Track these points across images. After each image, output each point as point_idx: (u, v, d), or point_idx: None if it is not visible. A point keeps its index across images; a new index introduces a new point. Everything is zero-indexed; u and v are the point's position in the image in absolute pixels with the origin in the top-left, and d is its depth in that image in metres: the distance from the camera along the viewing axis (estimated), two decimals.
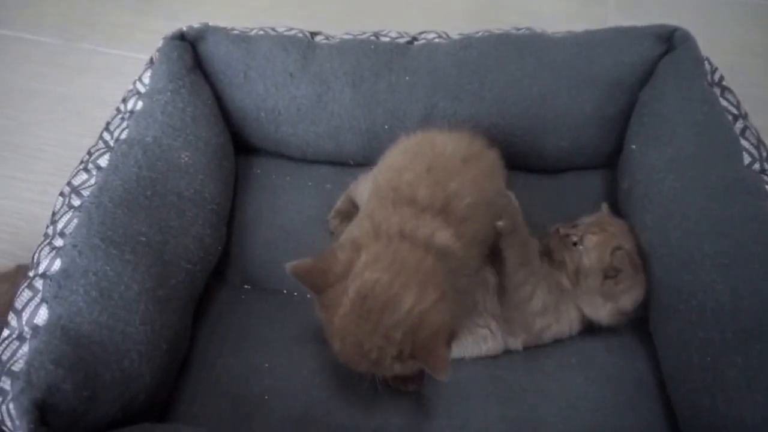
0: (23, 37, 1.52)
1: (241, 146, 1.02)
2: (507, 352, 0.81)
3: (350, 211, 0.93)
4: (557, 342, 0.82)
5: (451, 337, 0.64)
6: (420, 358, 0.63)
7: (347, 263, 0.66)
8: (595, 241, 0.80)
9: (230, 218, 0.95)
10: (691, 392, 0.70)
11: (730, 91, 0.84)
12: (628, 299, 0.79)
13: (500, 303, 0.79)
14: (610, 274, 0.78)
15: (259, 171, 1.02)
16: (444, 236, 0.70)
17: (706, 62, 0.85)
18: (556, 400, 0.77)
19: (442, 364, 0.62)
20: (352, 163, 1.02)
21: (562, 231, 0.82)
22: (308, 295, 0.89)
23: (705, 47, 0.86)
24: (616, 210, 0.89)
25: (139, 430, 0.64)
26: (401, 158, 0.82)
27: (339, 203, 0.95)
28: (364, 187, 0.88)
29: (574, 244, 0.80)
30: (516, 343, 0.80)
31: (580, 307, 0.80)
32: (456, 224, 0.71)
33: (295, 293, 0.90)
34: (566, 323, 0.80)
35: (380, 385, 0.70)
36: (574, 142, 0.95)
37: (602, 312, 0.79)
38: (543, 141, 0.95)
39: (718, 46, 0.94)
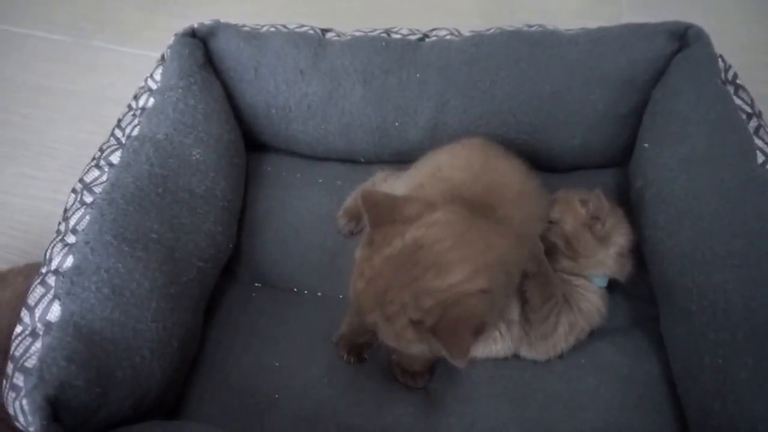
0: (35, 34, 1.53)
1: (251, 143, 1.03)
2: (521, 360, 0.81)
3: (360, 211, 0.92)
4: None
5: (480, 330, 0.61)
6: (441, 337, 0.58)
7: (416, 213, 0.63)
8: (558, 209, 0.84)
9: (241, 216, 0.95)
10: (701, 393, 0.69)
11: (744, 90, 0.83)
12: (622, 237, 0.82)
13: (525, 331, 0.79)
14: (592, 222, 0.81)
15: (269, 168, 1.02)
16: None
17: (719, 60, 0.84)
18: (565, 401, 0.76)
19: (463, 350, 0.58)
20: (362, 160, 1.02)
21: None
22: (319, 294, 0.89)
23: (719, 45, 0.85)
24: (628, 209, 0.89)
25: (150, 427, 0.64)
26: (459, 174, 0.78)
27: (349, 201, 0.94)
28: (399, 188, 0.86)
29: (550, 222, 0.83)
30: (530, 354, 0.80)
31: (591, 275, 0.81)
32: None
33: (306, 291, 0.90)
34: (594, 313, 0.80)
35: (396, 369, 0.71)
36: (586, 141, 0.94)
37: (610, 262, 0.81)
38: (554, 139, 0.95)
39: (732, 43, 0.93)
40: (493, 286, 0.61)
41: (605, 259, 0.81)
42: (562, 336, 0.78)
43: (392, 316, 0.59)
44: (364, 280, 0.61)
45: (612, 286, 0.84)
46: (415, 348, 0.61)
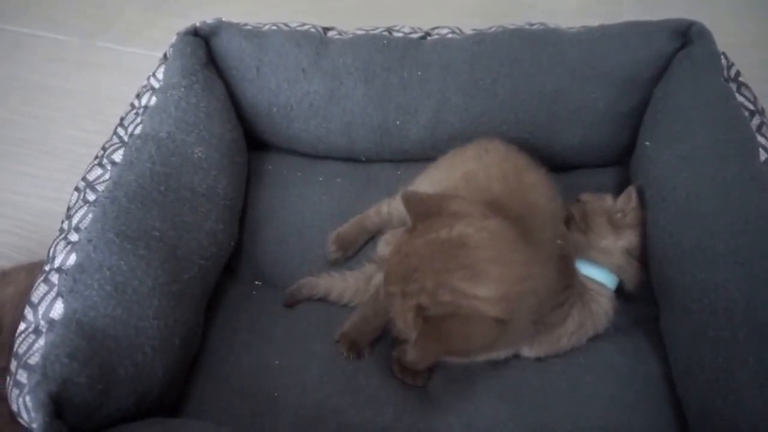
0: (39, 34, 1.54)
1: (253, 142, 1.03)
2: (522, 358, 0.81)
3: (356, 240, 0.91)
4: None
5: (468, 353, 0.61)
6: (424, 330, 0.58)
7: (463, 211, 0.62)
8: (590, 195, 0.87)
9: (242, 214, 0.95)
10: (702, 392, 0.69)
11: (747, 87, 0.82)
12: (635, 237, 0.82)
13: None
14: (614, 212, 0.83)
15: (270, 167, 1.03)
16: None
17: (722, 57, 0.84)
18: (565, 400, 0.76)
19: (425, 357, 0.57)
20: (363, 159, 1.02)
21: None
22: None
23: (721, 42, 0.85)
24: None
25: (151, 424, 0.64)
26: (497, 185, 0.76)
27: (344, 228, 0.92)
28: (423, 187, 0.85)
29: (577, 200, 0.86)
30: (530, 353, 0.80)
31: (596, 257, 0.81)
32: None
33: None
34: (603, 317, 0.80)
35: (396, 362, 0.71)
36: (587, 139, 0.94)
37: (616, 254, 0.81)
38: (556, 137, 0.95)
39: (734, 40, 0.93)
40: (515, 317, 0.59)
41: (612, 247, 0.82)
42: (568, 331, 0.78)
43: (408, 294, 0.59)
44: (400, 255, 0.61)
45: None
46: (408, 332, 0.61)
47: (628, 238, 0.82)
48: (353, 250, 0.91)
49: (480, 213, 0.63)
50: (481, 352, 0.62)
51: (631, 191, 0.83)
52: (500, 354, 0.79)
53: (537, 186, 0.79)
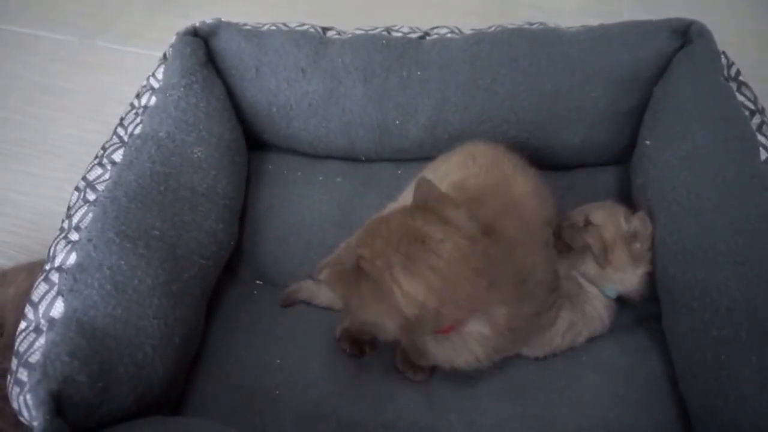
0: (39, 34, 1.54)
1: (253, 142, 1.03)
2: (523, 357, 0.81)
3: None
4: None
5: (359, 317, 0.64)
6: (348, 270, 0.62)
7: (455, 222, 0.63)
8: (602, 214, 0.83)
9: (242, 214, 0.95)
10: (704, 391, 0.69)
11: (747, 86, 0.82)
12: (650, 257, 0.81)
13: None
14: (631, 240, 0.80)
15: (270, 167, 1.03)
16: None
17: (722, 56, 0.84)
18: (567, 398, 0.76)
19: (329, 284, 0.62)
20: (363, 158, 1.02)
21: (565, 223, 0.83)
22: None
23: (721, 41, 0.85)
24: (630, 207, 0.88)
25: (152, 423, 0.64)
26: (493, 201, 0.75)
27: (339, 253, 0.92)
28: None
29: (585, 225, 0.82)
30: (531, 352, 0.80)
31: (613, 285, 0.81)
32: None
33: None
34: (597, 320, 0.80)
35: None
36: (587, 138, 0.94)
37: (634, 280, 0.81)
38: (556, 137, 0.95)
39: (735, 39, 0.93)
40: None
41: (632, 278, 0.81)
42: (559, 331, 0.78)
43: (362, 245, 0.62)
44: (380, 219, 0.65)
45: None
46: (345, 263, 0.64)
47: (646, 264, 0.81)
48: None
49: (466, 230, 0.63)
50: (377, 330, 0.64)
51: (642, 215, 0.81)
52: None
53: (526, 195, 0.78)
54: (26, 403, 0.59)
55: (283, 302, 0.88)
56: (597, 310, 0.80)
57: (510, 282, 0.66)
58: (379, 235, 0.62)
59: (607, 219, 0.82)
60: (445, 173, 0.82)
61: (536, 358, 0.80)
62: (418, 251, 0.60)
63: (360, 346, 0.81)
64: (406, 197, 0.84)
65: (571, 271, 0.82)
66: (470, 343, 0.67)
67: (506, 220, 0.71)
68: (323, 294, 0.87)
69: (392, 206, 0.89)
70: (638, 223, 0.81)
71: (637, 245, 0.80)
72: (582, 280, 0.82)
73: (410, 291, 0.59)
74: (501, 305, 0.65)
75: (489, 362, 0.69)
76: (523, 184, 0.79)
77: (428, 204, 0.64)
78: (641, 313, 0.86)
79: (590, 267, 0.81)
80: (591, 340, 0.81)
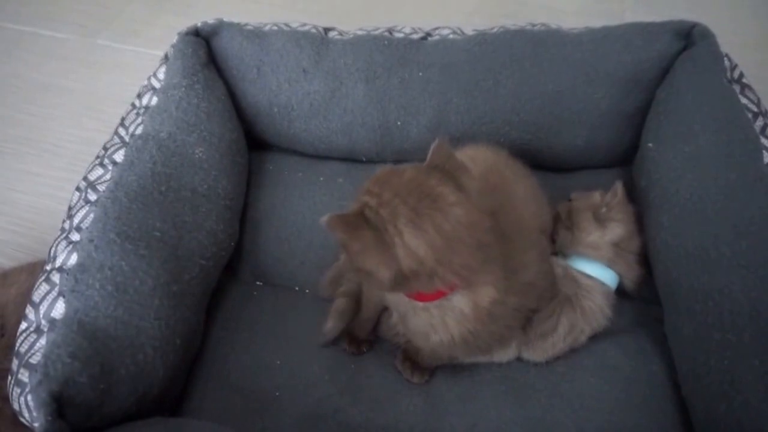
0: (40, 33, 1.54)
1: (254, 142, 1.03)
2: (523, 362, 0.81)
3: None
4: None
5: (357, 269, 0.62)
6: (349, 216, 0.60)
7: (468, 190, 0.62)
8: (577, 194, 0.88)
9: (243, 214, 0.95)
10: (707, 395, 0.69)
11: (750, 89, 0.82)
12: (620, 227, 0.82)
13: (524, 330, 0.79)
14: (598, 206, 0.83)
15: (271, 167, 1.02)
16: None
17: (725, 59, 0.83)
18: (568, 401, 0.76)
19: (331, 228, 0.59)
20: (364, 159, 1.02)
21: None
22: (319, 292, 0.89)
23: (725, 43, 0.85)
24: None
25: (152, 423, 0.64)
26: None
27: (340, 265, 0.89)
28: None
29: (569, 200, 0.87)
30: (527, 354, 0.80)
31: (585, 253, 0.82)
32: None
33: (307, 290, 0.90)
34: (597, 313, 0.80)
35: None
36: (590, 140, 0.94)
37: (604, 248, 0.82)
38: (558, 138, 0.94)
39: (738, 41, 0.93)
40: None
41: (599, 242, 0.82)
42: (561, 336, 0.78)
43: (369, 193, 0.61)
44: (391, 169, 0.63)
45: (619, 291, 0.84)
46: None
47: (615, 232, 0.82)
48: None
49: (478, 203, 0.62)
50: (369, 278, 0.62)
51: (617, 187, 0.83)
52: (502, 358, 0.80)
53: (525, 201, 0.78)
54: (27, 404, 0.58)
55: (327, 293, 0.87)
56: (596, 303, 0.80)
57: (501, 268, 0.66)
58: (387, 185, 0.60)
59: (583, 195, 0.86)
60: None
61: (536, 364, 0.80)
62: (427, 208, 0.59)
63: (358, 342, 0.81)
64: None
65: (567, 269, 0.82)
66: (448, 318, 0.66)
67: (503, 218, 0.71)
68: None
69: None
70: (609, 194, 0.83)
71: (603, 210, 0.82)
72: (577, 274, 0.82)
73: (411, 245, 0.58)
74: (488, 286, 0.65)
75: (463, 348, 0.69)
76: (522, 190, 0.79)
77: (446, 167, 0.63)
78: (643, 316, 0.85)
79: (562, 235, 0.83)
80: (594, 339, 0.81)
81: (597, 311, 0.80)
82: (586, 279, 0.81)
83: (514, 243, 0.69)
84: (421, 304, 0.66)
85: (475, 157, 0.82)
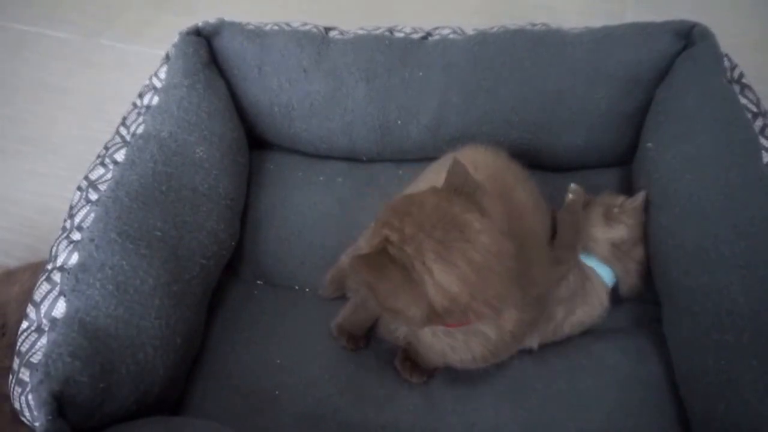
0: (43, 33, 1.55)
1: (254, 141, 1.03)
2: (519, 351, 0.81)
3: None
4: (568, 341, 0.81)
5: (384, 307, 0.59)
6: (369, 254, 0.58)
7: (489, 211, 0.61)
8: (605, 194, 0.90)
9: (243, 213, 0.95)
10: (705, 395, 0.69)
11: (750, 89, 0.82)
12: (623, 231, 0.83)
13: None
14: (612, 208, 0.85)
15: (272, 166, 1.03)
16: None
17: (725, 59, 0.83)
18: (567, 401, 0.76)
19: (354, 269, 0.57)
20: (364, 158, 1.02)
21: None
22: (319, 292, 0.90)
23: (724, 43, 0.84)
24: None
25: (152, 422, 0.65)
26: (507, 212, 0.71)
27: (340, 265, 0.88)
28: None
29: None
30: (532, 341, 0.80)
31: (585, 244, 0.83)
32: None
33: (307, 289, 0.90)
34: (594, 298, 0.81)
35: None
36: (590, 140, 0.94)
37: (601, 243, 0.83)
38: (558, 138, 0.94)
39: (738, 42, 0.92)
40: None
41: (599, 237, 0.83)
42: (563, 297, 0.79)
43: (389, 225, 0.58)
44: (408, 196, 0.60)
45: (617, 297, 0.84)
46: (365, 246, 0.61)
47: (618, 232, 0.83)
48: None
49: (500, 224, 0.61)
50: (398, 318, 0.60)
51: (641, 195, 0.84)
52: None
53: (528, 210, 0.76)
54: (28, 404, 0.59)
55: (327, 294, 0.87)
56: (597, 291, 0.81)
57: (519, 287, 0.64)
58: (409, 218, 0.58)
59: (610, 195, 0.88)
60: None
61: (541, 346, 0.80)
62: (455, 240, 0.56)
63: (356, 340, 0.82)
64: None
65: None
66: (471, 342, 0.65)
67: (511, 230, 0.68)
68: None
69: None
70: (630, 199, 0.85)
71: (615, 210, 0.84)
72: (584, 265, 0.82)
73: (443, 281, 0.55)
74: (512, 308, 0.64)
75: (483, 364, 0.68)
76: (525, 197, 0.77)
77: (464, 189, 0.61)
78: (641, 316, 0.85)
79: (565, 217, 0.85)
80: (592, 339, 0.81)
81: (595, 299, 0.80)
82: (590, 270, 0.81)
83: (525, 257, 0.66)
84: (444, 328, 0.65)
85: (477, 162, 0.80)
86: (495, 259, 0.57)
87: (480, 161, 0.80)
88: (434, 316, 0.57)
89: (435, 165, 0.87)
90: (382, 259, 0.57)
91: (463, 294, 0.56)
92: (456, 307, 0.57)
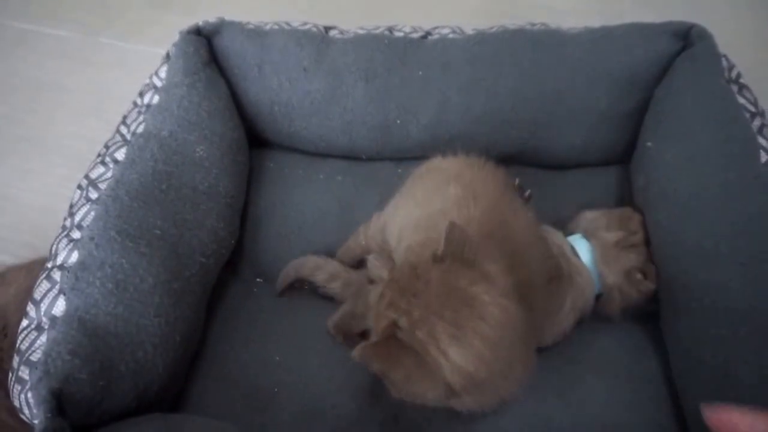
0: (43, 31, 1.55)
1: (254, 140, 1.03)
2: None
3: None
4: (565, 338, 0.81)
5: (401, 391, 0.59)
6: (380, 342, 0.57)
7: (494, 278, 0.59)
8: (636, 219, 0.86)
9: (243, 212, 0.96)
10: (701, 391, 0.70)
11: (748, 89, 0.82)
12: (630, 261, 0.79)
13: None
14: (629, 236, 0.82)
15: (272, 165, 1.03)
16: None
17: (723, 59, 0.84)
18: (563, 395, 0.77)
19: (365, 360, 0.56)
20: (364, 157, 1.02)
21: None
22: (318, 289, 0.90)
23: (723, 44, 0.85)
24: (631, 206, 0.89)
25: (151, 420, 0.65)
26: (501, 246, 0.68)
27: (340, 255, 0.89)
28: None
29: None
30: (541, 342, 0.80)
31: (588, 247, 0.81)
32: None
33: (306, 287, 0.91)
34: (585, 289, 0.79)
35: None
36: (588, 139, 0.94)
37: (600, 244, 0.80)
38: (557, 137, 0.95)
39: (736, 42, 0.92)
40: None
41: (613, 240, 0.80)
42: (567, 311, 0.77)
43: (395, 307, 0.57)
44: (412, 271, 0.58)
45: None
46: (373, 331, 0.61)
47: (626, 260, 0.80)
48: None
49: (505, 289, 0.59)
50: (415, 399, 0.60)
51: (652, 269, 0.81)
52: None
53: (528, 244, 0.73)
54: (27, 402, 0.59)
55: (279, 292, 0.87)
56: (585, 281, 0.79)
57: (529, 345, 0.64)
58: (415, 298, 0.56)
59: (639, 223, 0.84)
60: (442, 211, 0.73)
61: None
62: (466, 318, 0.55)
63: (352, 338, 0.82)
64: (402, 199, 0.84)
65: (562, 248, 0.81)
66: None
67: (515, 274, 0.65)
68: (312, 263, 0.85)
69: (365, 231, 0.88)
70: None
71: (632, 238, 0.81)
72: (569, 254, 0.81)
73: (459, 362, 0.55)
74: (522, 363, 0.62)
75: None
76: (524, 230, 0.74)
77: (465, 255, 0.59)
78: (639, 311, 0.86)
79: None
80: (589, 334, 0.80)
81: (586, 289, 0.79)
82: (576, 259, 0.80)
83: (527, 302, 0.64)
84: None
85: (476, 192, 0.74)
86: (508, 329, 0.57)
87: (480, 191, 0.75)
88: (452, 394, 0.57)
89: (418, 177, 0.85)
90: (393, 346, 0.56)
91: (480, 370, 0.56)
92: (473, 384, 0.56)
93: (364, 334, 0.82)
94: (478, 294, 0.56)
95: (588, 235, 0.83)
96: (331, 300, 0.87)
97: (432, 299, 0.56)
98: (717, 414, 0.41)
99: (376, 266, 0.74)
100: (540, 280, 0.72)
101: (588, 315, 0.80)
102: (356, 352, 0.55)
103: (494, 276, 0.59)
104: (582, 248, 0.81)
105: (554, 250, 0.80)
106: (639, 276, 0.79)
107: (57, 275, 0.69)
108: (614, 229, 0.82)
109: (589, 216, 0.85)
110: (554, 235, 0.83)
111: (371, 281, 0.78)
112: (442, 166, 0.85)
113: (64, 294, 0.67)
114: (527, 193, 0.92)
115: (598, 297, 0.80)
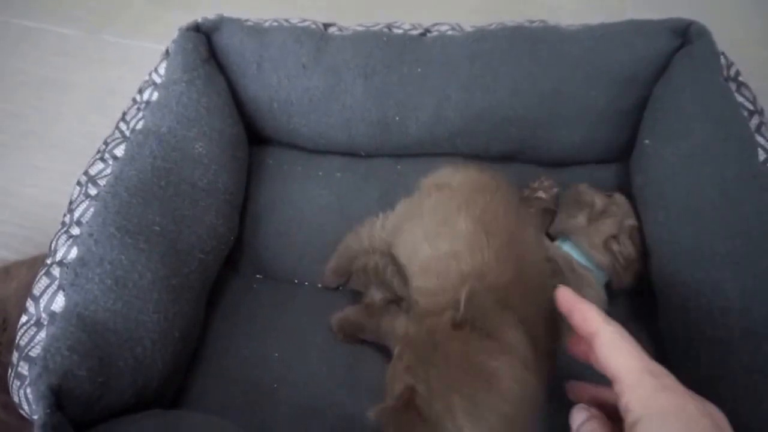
0: (45, 28, 1.55)
1: (253, 136, 1.03)
2: None
3: (347, 270, 0.86)
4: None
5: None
6: (396, 404, 0.57)
7: (515, 349, 0.59)
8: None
9: (242, 208, 0.96)
10: (696, 390, 0.69)
11: (746, 87, 0.82)
12: (612, 226, 0.81)
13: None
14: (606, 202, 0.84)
15: (271, 161, 1.03)
16: None
17: (721, 57, 0.83)
18: (558, 395, 0.76)
19: (377, 415, 0.57)
20: (363, 153, 1.02)
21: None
22: (319, 285, 0.90)
23: (721, 41, 0.84)
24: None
25: (151, 416, 0.65)
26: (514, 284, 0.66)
27: (341, 251, 0.88)
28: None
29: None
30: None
31: (577, 248, 0.83)
32: None
33: (306, 283, 0.91)
34: (600, 302, 0.80)
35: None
36: (587, 136, 0.94)
37: (585, 231, 0.82)
38: (555, 134, 0.94)
39: (734, 39, 0.92)
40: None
41: (584, 223, 0.82)
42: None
43: (414, 371, 0.58)
44: (433, 338, 0.58)
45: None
46: (388, 388, 0.62)
47: (604, 226, 0.82)
48: (347, 277, 0.89)
49: (524, 357, 0.59)
50: None
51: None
52: None
53: (543, 287, 0.70)
54: (26, 397, 0.60)
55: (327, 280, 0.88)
56: (596, 292, 0.80)
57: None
58: (434, 368, 0.57)
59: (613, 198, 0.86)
60: (453, 254, 0.69)
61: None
62: (484, 394, 0.55)
63: (353, 337, 0.82)
64: (410, 206, 0.83)
65: (567, 258, 0.82)
66: None
67: (535, 331, 0.64)
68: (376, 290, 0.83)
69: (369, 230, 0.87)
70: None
71: (594, 210, 0.83)
72: (576, 265, 0.81)
73: None
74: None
75: None
76: (537, 265, 0.72)
77: (486, 324, 0.58)
78: (635, 310, 0.86)
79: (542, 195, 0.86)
80: None
81: (597, 294, 0.80)
82: (582, 269, 0.81)
83: (541, 352, 0.64)
84: None
85: (489, 228, 0.70)
86: (524, 405, 0.57)
87: (493, 227, 0.71)
88: None
89: (425, 193, 0.83)
90: (411, 414, 0.56)
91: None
92: None
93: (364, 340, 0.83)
94: (496, 369, 0.57)
95: (567, 234, 0.84)
96: (331, 298, 0.87)
97: (450, 372, 0.56)
98: (573, 387, 0.59)
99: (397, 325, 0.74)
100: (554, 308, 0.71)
101: (606, 308, 0.80)
102: (375, 413, 0.56)
103: (515, 346, 0.59)
104: (572, 251, 0.82)
105: (562, 265, 0.81)
106: (615, 246, 0.81)
107: (56, 271, 0.69)
108: (577, 213, 0.83)
109: (557, 219, 0.86)
110: (556, 249, 0.84)
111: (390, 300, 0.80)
112: (452, 184, 0.81)
113: (64, 290, 0.67)
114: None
115: (608, 284, 0.82)
